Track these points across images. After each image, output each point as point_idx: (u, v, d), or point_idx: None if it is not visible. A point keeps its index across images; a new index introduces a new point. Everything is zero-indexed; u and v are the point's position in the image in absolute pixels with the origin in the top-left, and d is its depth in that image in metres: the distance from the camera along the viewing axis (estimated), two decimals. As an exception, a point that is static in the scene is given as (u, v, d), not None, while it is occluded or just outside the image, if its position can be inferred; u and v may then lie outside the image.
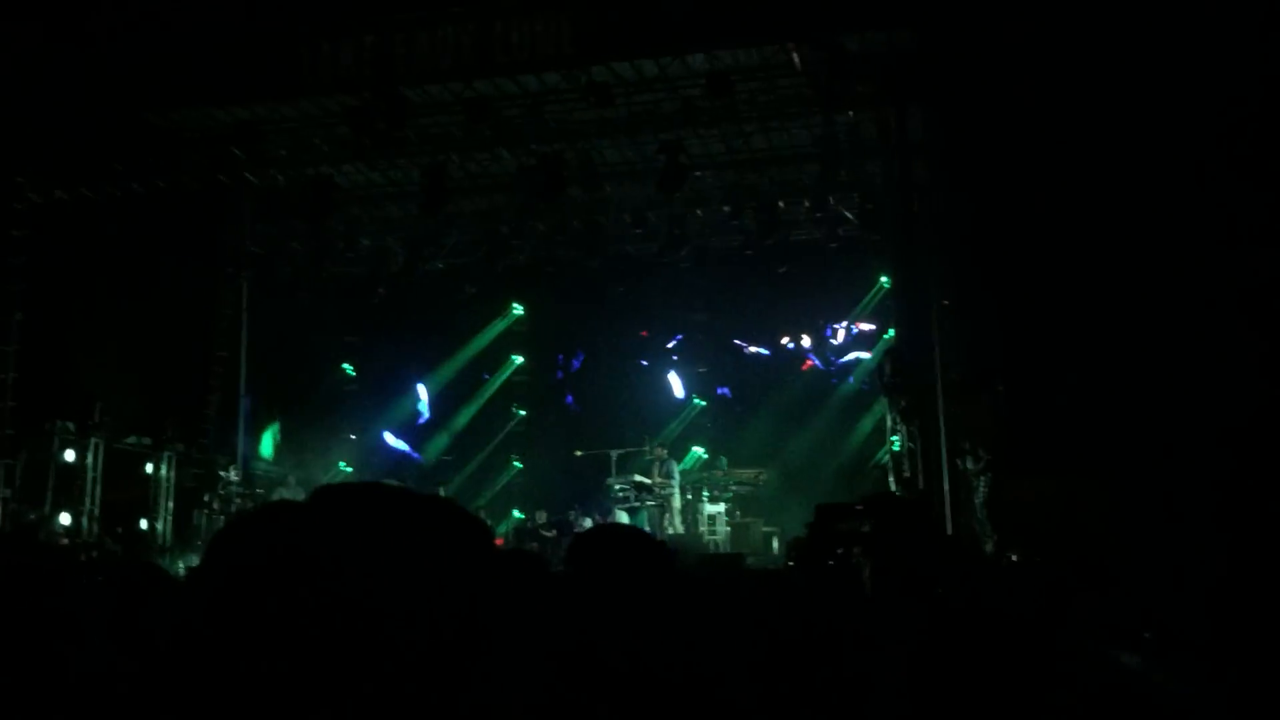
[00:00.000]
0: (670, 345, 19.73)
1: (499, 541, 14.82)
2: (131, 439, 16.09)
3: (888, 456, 14.36)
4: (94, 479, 15.31)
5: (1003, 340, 12.16)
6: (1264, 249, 10.02)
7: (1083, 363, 11.12)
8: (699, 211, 16.71)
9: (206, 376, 17.46)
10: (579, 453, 17.24)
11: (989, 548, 11.25)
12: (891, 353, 13.79)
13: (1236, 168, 10.28)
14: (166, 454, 16.23)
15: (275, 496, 15.36)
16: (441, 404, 20.40)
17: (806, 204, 16.28)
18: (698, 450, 18.51)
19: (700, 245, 17.06)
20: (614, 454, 16.25)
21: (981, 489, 11.87)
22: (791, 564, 10.86)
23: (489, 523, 17.43)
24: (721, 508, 16.02)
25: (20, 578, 2.04)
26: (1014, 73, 11.40)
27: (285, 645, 1.08)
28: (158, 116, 14.58)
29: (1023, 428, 11.63)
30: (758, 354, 19.28)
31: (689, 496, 16.29)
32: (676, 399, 19.45)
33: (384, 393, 20.25)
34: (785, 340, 19.05)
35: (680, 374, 19.54)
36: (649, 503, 15.68)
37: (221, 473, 16.10)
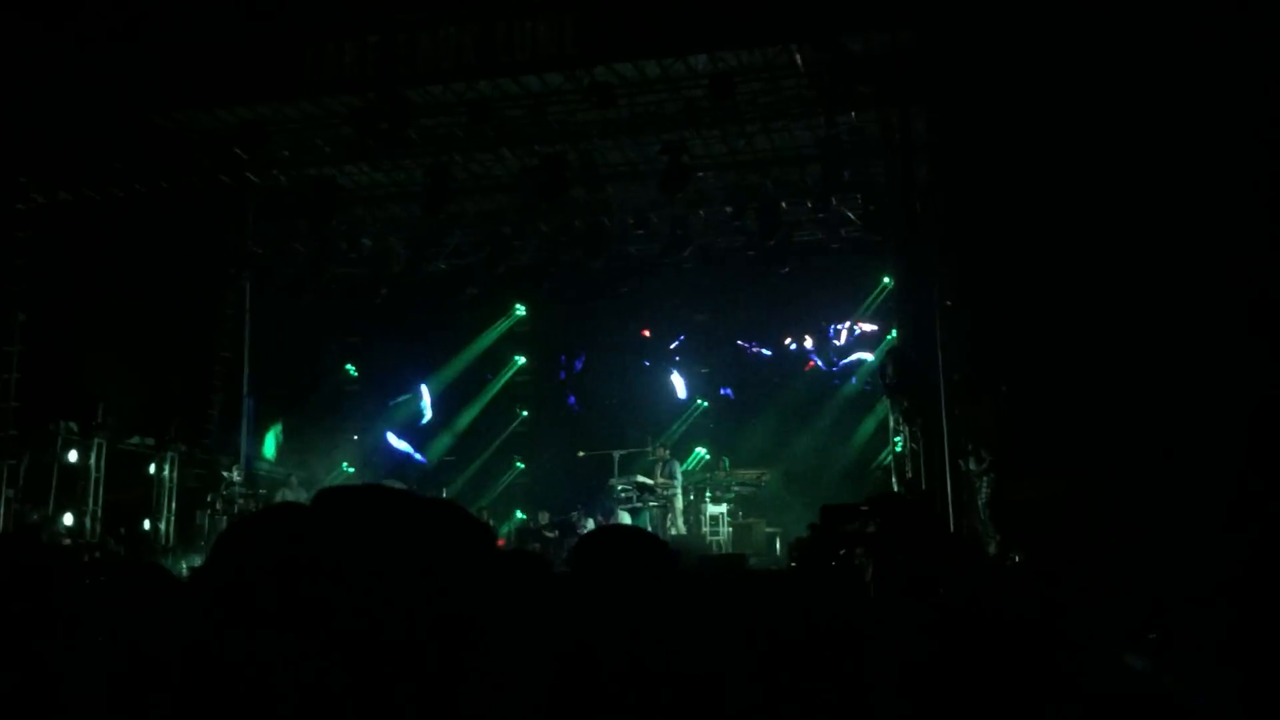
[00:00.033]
0: (673, 346, 19.73)
1: (500, 543, 14.83)
2: (134, 439, 16.11)
3: (890, 457, 14.36)
4: (97, 479, 15.33)
5: (1006, 341, 12.14)
6: (1267, 248, 10.01)
7: (1086, 363, 11.10)
8: (701, 212, 16.71)
9: (209, 377, 17.47)
10: (581, 453, 17.26)
11: (992, 549, 11.23)
12: (894, 353, 13.78)
13: (1239, 167, 10.27)
14: (169, 454, 16.25)
15: (278, 497, 15.38)
16: (444, 404, 20.41)
17: (809, 205, 16.29)
18: (700, 451, 18.52)
19: (703, 246, 17.07)
20: (616, 455, 16.26)
21: (984, 490, 11.85)
22: (794, 565, 10.85)
23: (491, 523, 17.51)
24: (724, 508, 16.03)
25: (23, 578, 2.04)
26: (1017, 73, 11.39)
27: (288, 646, 1.08)
28: (161, 117, 14.59)
29: (1026, 429, 11.61)
30: (760, 355, 19.28)
31: (691, 497, 16.30)
32: (679, 400, 19.45)
33: (386, 393, 20.28)
34: (788, 341, 19.05)
35: (683, 375, 19.55)
36: (651, 503, 15.69)
37: (224, 473, 16.11)
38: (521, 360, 20.69)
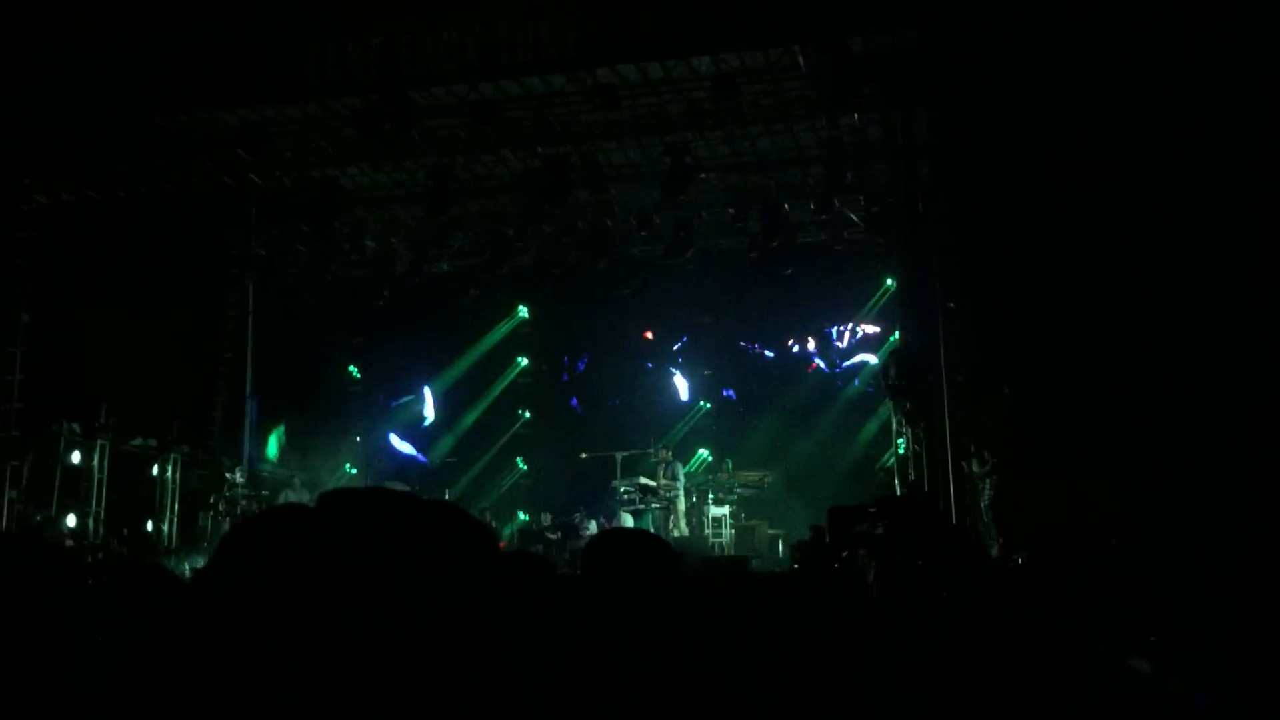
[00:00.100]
0: (675, 347, 19.73)
1: (500, 545, 14.82)
2: (137, 441, 16.12)
3: (893, 459, 14.35)
4: (100, 481, 15.35)
5: (1008, 342, 12.14)
6: (1269, 250, 10.00)
7: (1088, 365, 11.10)
8: (704, 214, 16.71)
9: (212, 378, 17.48)
10: (584, 455, 17.25)
11: (995, 551, 11.23)
12: (897, 355, 13.78)
13: (1241, 168, 10.27)
14: (172, 456, 16.26)
15: (281, 498, 15.38)
16: (447, 406, 20.41)
17: (811, 206, 16.28)
18: (703, 452, 18.52)
19: (705, 247, 17.06)
20: (619, 456, 16.25)
21: (987, 492, 11.85)
22: (796, 567, 10.85)
23: (493, 524, 17.51)
24: (726, 510, 16.02)
25: (26, 579, 2.04)
26: (1019, 74, 11.39)
27: (291, 647, 1.08)
28: (164, 118, 14.60)
29: (1028, 430, 11.61)
30: (763, 356, 19.28)
31: (694, 499, 16.29)
32: (682, 401, 19.45)
33: (389, 394, 20.28)
34: (790, 343, 19.05)
35: (685, 376, 19.54)
36: (654, 505, 15.68)
37: (227, 474, 16.12)
38: (524, 362, 20.69)
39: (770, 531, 15.78)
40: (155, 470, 16.19)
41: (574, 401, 20.27)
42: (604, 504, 16.26)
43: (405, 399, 20.42)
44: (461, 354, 20.13)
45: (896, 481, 13.63)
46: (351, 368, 20.33)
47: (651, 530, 14.90)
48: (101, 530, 15.18)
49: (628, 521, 15.47)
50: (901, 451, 13.65)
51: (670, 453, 16.43)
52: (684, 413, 19.35)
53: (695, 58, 13.40)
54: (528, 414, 20.61)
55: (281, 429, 18.62)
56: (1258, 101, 10.19)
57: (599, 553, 2.62)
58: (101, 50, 13.41)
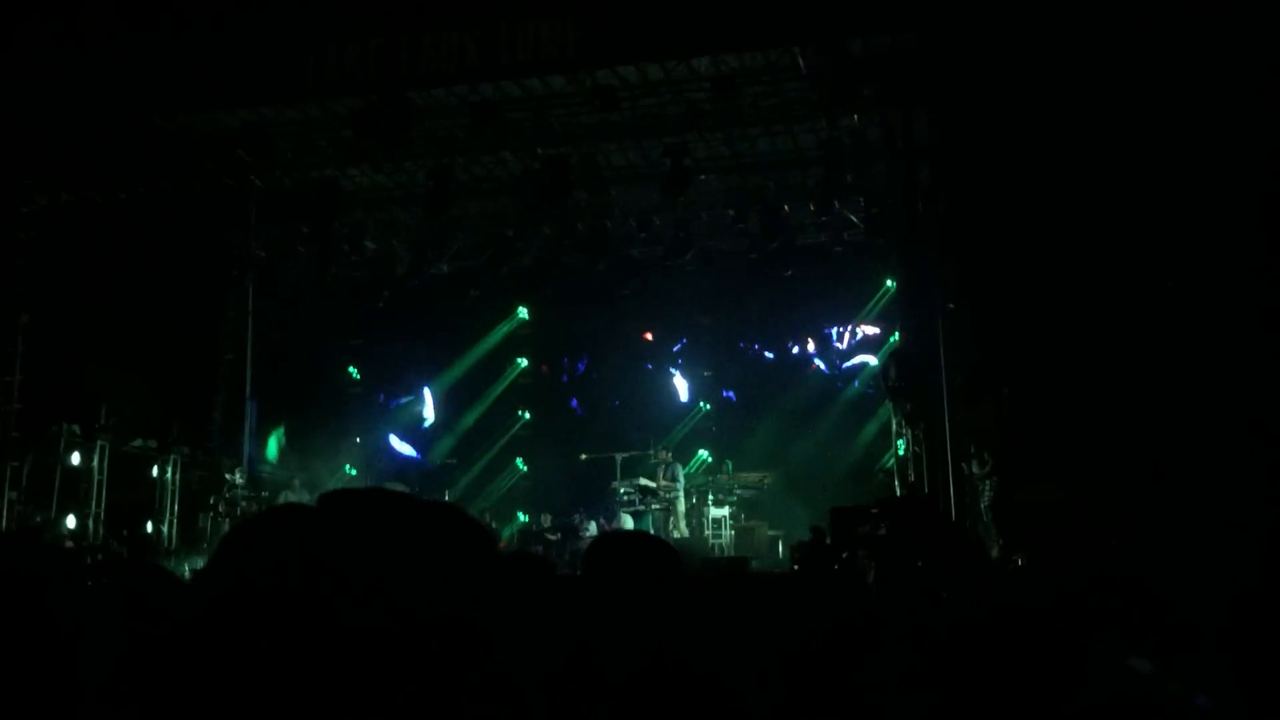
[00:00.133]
0: (675, 349, 19.72)
1: (500, 546, 14.82)
2: (137, 442, 16.12)
3: (893, 460, 14.35)
4: (99, 482, 15.35)
5: (1008, 343, 12.15)
6: (1269, 251, 10.01)
7: (1088, 366, 11.10)
8: (704, 215, 16.70)
9: (212, 379, 17.48)
10: (584, 456, 17.24)
11: (994, 552, 11.23)
12: (897, 356, 13.78)
13: (1241, 168, 10.27)
14: (172, 457, 16.26)
15: (281, 499, 15.37)
16: (446, 407, 20.41)
17: (811, 207, 16.28)
18: (703, 454, 18.51)
19: (705, 249, 17.06)
20: (619, 457, 16.24)
21: (987, 493, 11.86)
22: (796, 568, 10.85)
23: (493, 525, 17.51)
24: (726, 511, 16.01)
25: (25, 580, 2.04)
26: (1019, 75, 11.39)
27: (291, 647, 1.08)
28: (163, 119, 14.60)
29: (1028, 431, 11.61)
30: (763, 357, 19.28)
31: (694, 500, 16.29)
32: (681, 402, 19.44)
33: (389, 395, 20.28)
34: (790, 344, 19.05)
35: (685, 377, 19.54)
36: (654, 506, 15.68)
37: (227, 476, 16.11)
38: (524, 363, 20.68)
39: (770, 533, 15.77)
40: (155, 471, 16.19)
41: (574, 403, 20.27)
42: (604, 505, 16.25)
43: (405, 400, 20.42)
44: (461, 355, 20.12)
45: (896, 483, 13.63)
46: (351, 369, 20.32)
47: (651, 532, 14.90)
48: (101, 531, 15.18)
49: (628, 523, 15.46)
50: (901, 453, 13.65)
51: (670, 454, 16.42)
52: (684, 414, 19.35)
53: (695, 59, 13.40)
54: (527, 415, 20.60)
55: (281, 430, 18.62)
56: (1257, 101, 10.19)
57: (600, 554, 2.62)
58: (101, 51, 13.42)
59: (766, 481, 16.46)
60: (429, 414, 20.44)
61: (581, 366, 20.37)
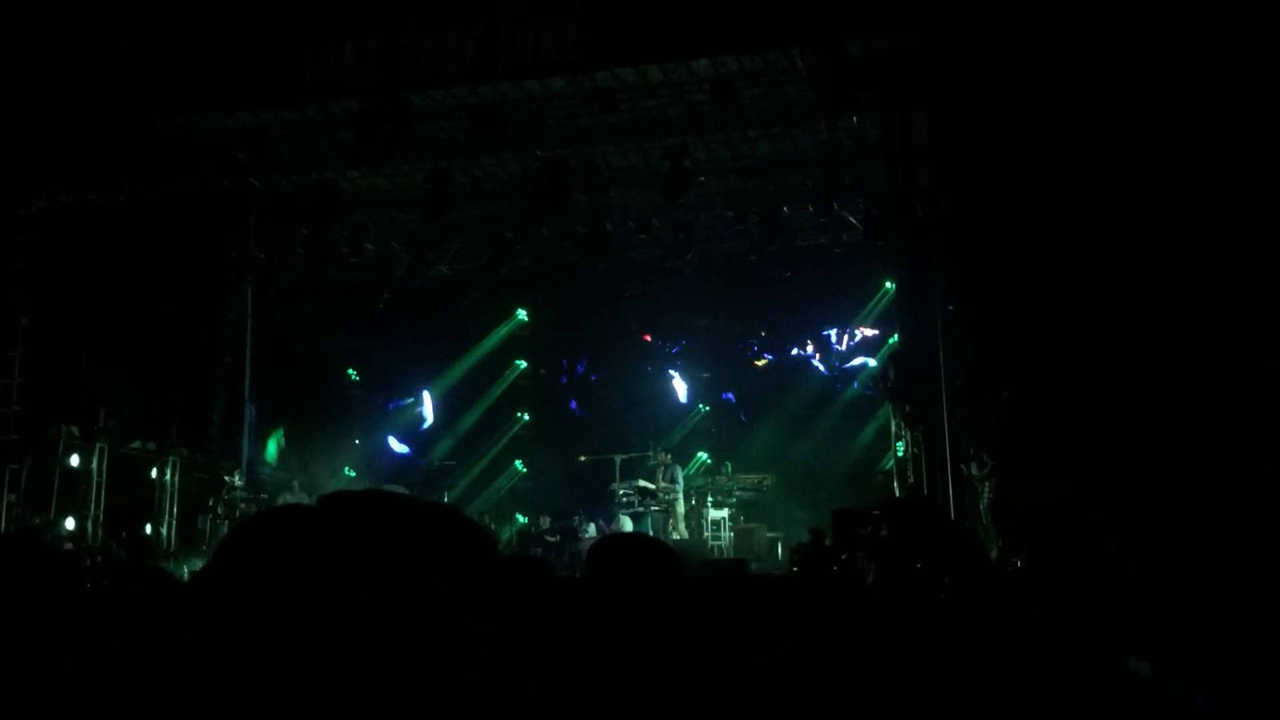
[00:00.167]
0: (674, 350, 19.72)
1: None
2: (136, 444, 16.10)
3: (892, 462, 14.35)
4: (99, 484, 15.33)
5: (1007, 345, 12.15)
6: (1268, 251, 10.01)
7: (1087, 367, 11.10)
8: (703, 217, 16.70)
9: (211, 381, 17.47)
10: (583, 457, 17.23)
11: (994, 554, 11.23)
12: (896, 358, 13.78)
13: (1240, 169, 10.28)
14: (171, 459, 16.24)
15: (280, 501, 15.36)
16: (446, 409, 20.40)
17: (810, 209, 16.28)
18: (702, 455, 18.50)
19: (704, 250, 17.05)
20: (618, 459, 16.23)
21: (986, 494, 11.85)
22: (795, 570, 10.85)
23: (492, 527, 17.49)
24: (725, 513, 16.00)
25: (25, 582, 2.04)
26: (1018, 77, 11.40)
27: (290, 649, 1.08)
28: (163, 121, 14.60)
29: (1027, 433, 11.61)
30: (762, 359, 19.28)
31: (693, 502, 16.28)
32: (680, 404, 19.44)
33: (388, 397, 20.27)
34: (790, 345, 19.05)
35: (684, 379, 19.53)
36: (653, 508, 15.67)
37: (226, 478, 16.10)
38: (523, 364, 20.68)
39: (769, 534, 15.76)
40: (154, 473, 16.17)
41: (573, 404, 20.26)
42: (603, 507, 16.25)
43: (405, 402, 20.41)
44: (461, 357, 20.11)
45: (896, 484, 13.62)
46: (350, 371, 20.32)
47: (650, 533, 14.91)
48: (100, 533, 15.16)
49: (627, 524, 15.46)
50: (900, 454, 13.64)
51: (669, 456, 16.42)
52: (683, 415, 19.34)
53: (694, 61, 13.40)
54: (527, 416, 20.60)
55: (280, 432, 18.61)
56: (1256, 103, 10.19)
57: (602, 556, 2.63)
58: (100, 53, 13.42)
59: (766, 483, 16.45)
60: (428, 416, 20.43)
61: (581, 368, 20.36)
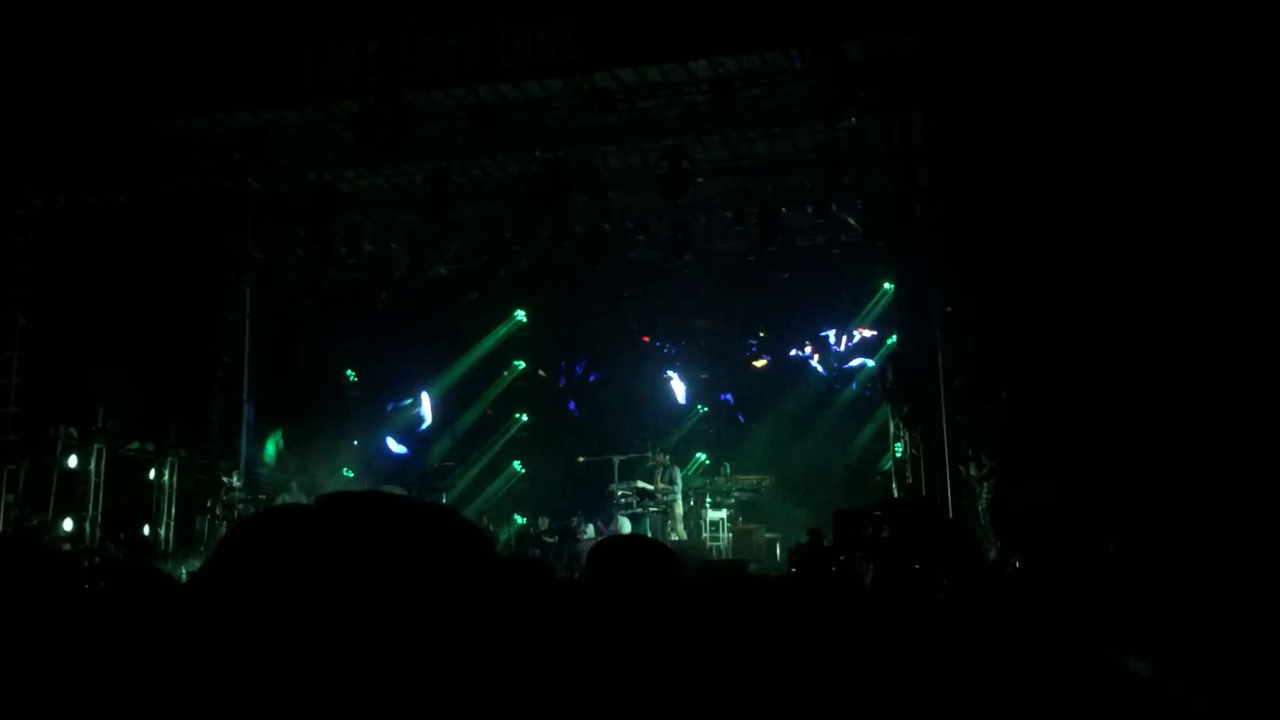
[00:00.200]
0: (673, 351, 19.72)
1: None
2: (134, 445, 16.10)
3: (891, 463, 14.35)
4: (97, 485, 15.32)
5: (1006, 346, 12.15)
6: (1267, 252, 10.01)
7: (1086, 368, 11.10)
8: (701, 217, 16.71)
9: (209, 382, 17.45)
10: (581, 458, 17.24)
11: (992, 554, 11.23)
12: (894, 359, 13.79)
13: (1239, 169, 10.28)
14: (169, 460, 16.24)
15: (278, 502, 15.35)
16: (444, 410, 20.40)
17: (809, 210, 16.29)
18: (700, 456, 18.51)
19: (703, 251, 17.06)
20: (616, 460, 16.24)
21: (985, 495, 11.86)
22: (794, 570, 10.85)
23: (490, 528, 17.49)
24: (724, 514, 16.00)
25: (22, 583, 2.03)
26: (1016, 78, 11.40)
27: (287, 649, 1.08)
28: (162, 122, 14.60)
29: (1026, 433, 11.61)
30: (760, 359, 19.28)
31: (691, 503, 16.28)
32: (679, 405, 19.44)
33: (387, 398, 20.27)
34: (788, 346, 19.06)
35: (683, 380, 19.53)
36: (651, 509, 15.67)
37: (224, 478, 16.09)
38: (522, 365, 20.68)
39: (768, 535, 15.77)
40: (152, 474, 16.17)
41: (571, 405, 20.26)
42: (601, 508, 16.25)
43: (403, 403, 20.41)
44: (459, 358, 20.11)
45: (894, 485, 13.62)
46: (349, 372, 20.31)
47: (649, 534, 14.91)
48: (98, 534, 15.16)
49: (625, 525, 15.46)
50: (899, 455, 13.65)
51: (668, 457, 16.42)
52: (682, 416, 19.35)
53: (693, 61, 13.41)
54: (525, 417, 20.60)
55: (279, 433, 18.60)
56: (1256, 104, 10.20)
57: (603, 558, 2.63)
58: (99, 53, 13.41)
59: (764, 484, 16.46)
60: (427, 417, 20.43)
61: (579, 369, 20.36)
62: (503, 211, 17.08)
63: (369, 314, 18.40)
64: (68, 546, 13.93)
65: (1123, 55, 10.69)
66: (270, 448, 18.50)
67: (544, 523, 16.79)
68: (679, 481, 16.10)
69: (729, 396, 19.33)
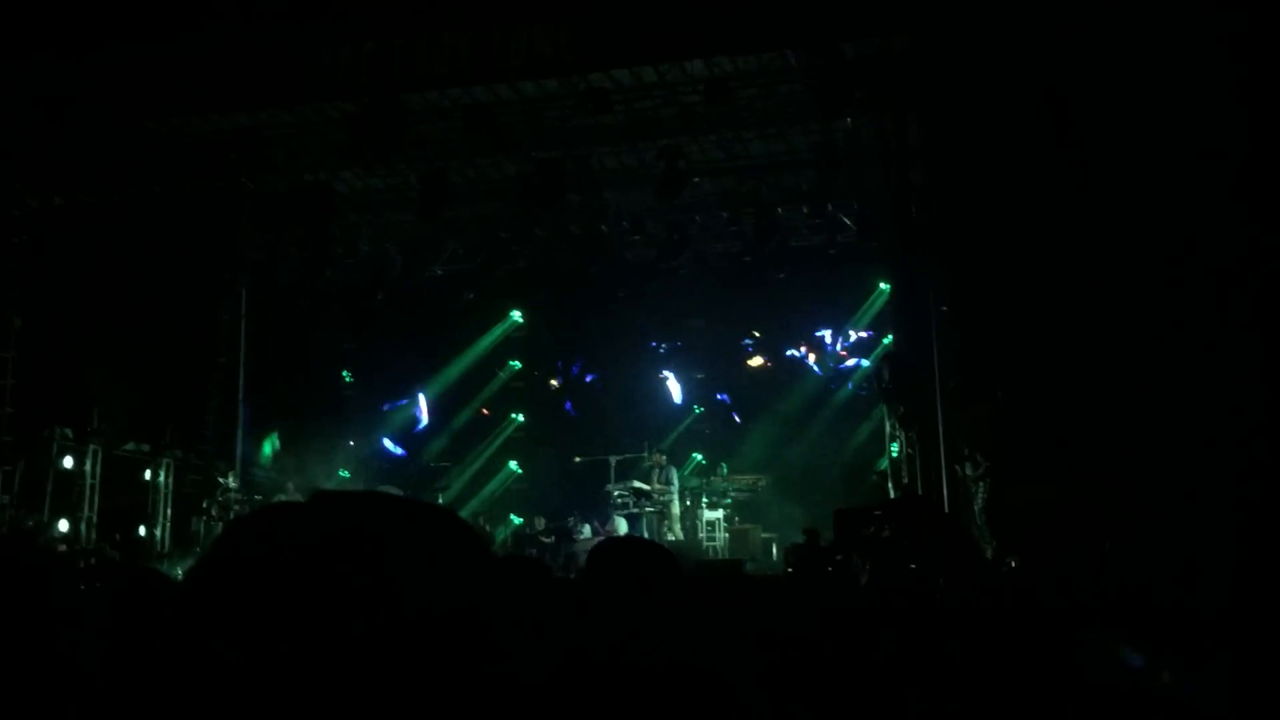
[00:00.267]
0: (669, 351, 19.72)
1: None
2: (130, 445, 16.08)
3: (886, 463, 14.36)
4: (92, 485, 15.31)
5: (1001, 346, 12.15)
6: (1266, 252, 10.03)
7: (1081, 368, 11.11)
8: (697, 217, 16.72)
9: (205, 383, 17.45)
10: (578, 459, 17.24)
11: (988, 554, 11.24)
12: (890, 358, 13.80)
13: (1237, 169, 10.29)
14: (165, 460, 16.23)
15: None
16: (440, 410, 20.39)
17: (805, 210, 16.30)
18: (697, 456, 18.51)
19: (699, 251, 17.07)
20: (613, 460, 16.24)
21: (980, 495, 11.86)
22: (790, 570, 10.86)
23: (487, 528, 17.48)
24: (720, 514, 16.01)
25: (18, 584, 2.03)
26: (1012, 78, 11.41)
27: (282, 647, 1.08)
28: (156, 122, 14.58)
29: (1021, 433, 11.62)
30: (757, 360, 19.29)
31: (688, 503, 16.29)
32: (675, 405, 19.44)
33: (383, 399, 20.26)
34: (784, 346, 19.07)
35: (679, 380, 19.54)
36: (648, 509, 15.68)
37: (220, 479, 16.09)
38: (518, 365, 20.68)
39: (764, 535, 15.79)
40: (148, 475, 16.16)
41: (568, 405, 20.26)
42: (598, 508, 16.25)
43: (399, 403, 20.40)
44: (455, 358, 20.10)
45: (890, 485, 13.63)
46: (345, 372, 20.30)
47: (645, 534, 14.91)
48: (94, 535, 15.14)
49: (622, 525, 15.47)
50: (895, 455, 13.65)
51: (664, 457, 16.43)
52: (678, 416, 19.35)
53: (688, 62, 13.41)
54: (521, 418, 20.59)
55: (275, 434, 18.59)
56: (1254, 104, 10.22)
57: (602, 559, 2.63)
58: (94, 53, 13.39)
59: (761, 484, 16.47)
60: (423, 417, 20.42)
61: (575, 369, 20.36)
62: (499, 212, 17.07)
63: (365, 314, 18.40)
64: (63, 547, 13.92)
65: (1117, 53, 10.70)
66: (266, 448, 18.49)
67: (540, 523, 16.79)
68: (675, 481, 16.11)
69: (725, 396, 19.34)
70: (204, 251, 16.88)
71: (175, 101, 13.89)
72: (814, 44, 12.90)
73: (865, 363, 18.28)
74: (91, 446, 15.30)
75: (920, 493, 12.13)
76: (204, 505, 15.83)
